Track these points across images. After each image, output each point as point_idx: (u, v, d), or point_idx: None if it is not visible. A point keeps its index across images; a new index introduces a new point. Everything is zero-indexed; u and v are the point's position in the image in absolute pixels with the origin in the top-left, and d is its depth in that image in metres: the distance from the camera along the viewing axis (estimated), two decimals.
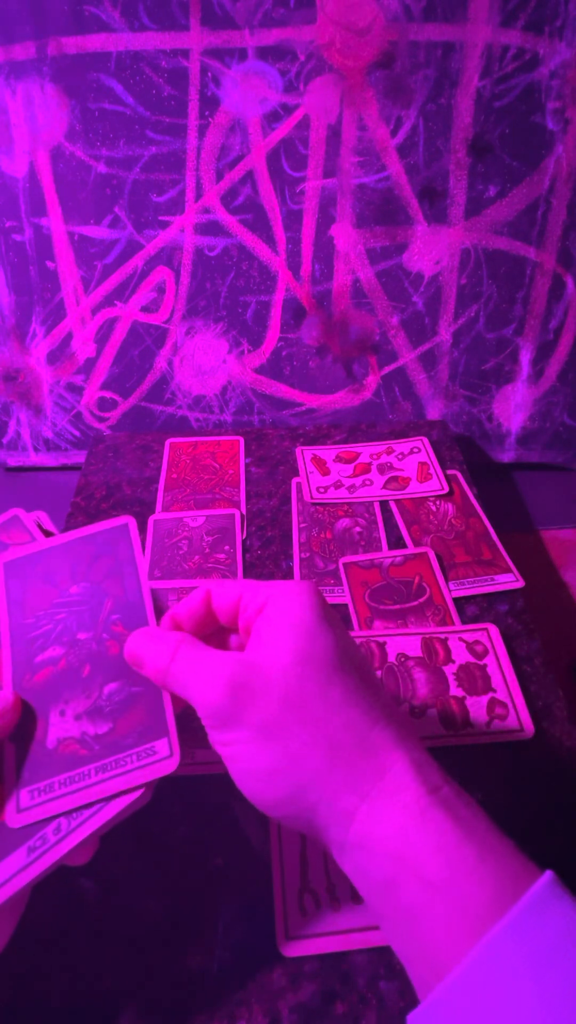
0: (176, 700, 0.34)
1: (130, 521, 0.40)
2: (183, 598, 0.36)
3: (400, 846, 0.27)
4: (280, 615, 0.31)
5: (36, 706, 0.34)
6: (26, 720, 0.34)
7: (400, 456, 0.69)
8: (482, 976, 0.24)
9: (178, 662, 0.32)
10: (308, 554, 0.59)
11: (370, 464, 0.68)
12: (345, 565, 0.57)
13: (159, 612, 0.37)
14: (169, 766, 0.32)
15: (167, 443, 0.73)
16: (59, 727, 0.33)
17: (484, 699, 0.47)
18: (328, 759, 0.28)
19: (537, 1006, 0.23)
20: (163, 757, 0.32)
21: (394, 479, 0.66)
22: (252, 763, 0.29)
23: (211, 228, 0.67)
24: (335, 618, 0.32)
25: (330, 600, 0.49)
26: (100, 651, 0.35)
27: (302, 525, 0.62)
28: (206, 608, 0.35)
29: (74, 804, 0.31)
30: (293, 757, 0.29)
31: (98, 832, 0.30)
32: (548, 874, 0.26)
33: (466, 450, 0.76)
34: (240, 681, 0.29)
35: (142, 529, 0.61)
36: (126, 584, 0.37)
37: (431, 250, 0.68)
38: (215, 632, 0.37)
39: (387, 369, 0.75)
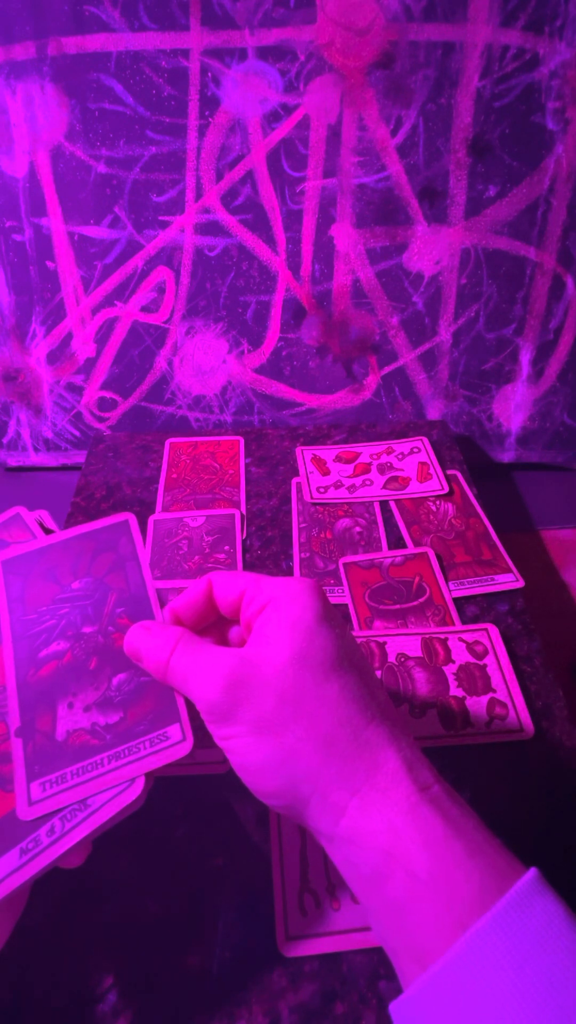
0: None
1: (130, 518, 0.40)
2: (185, 588, 0.36)
3: (389, 841, 0.27)
4: (281, 614, 0.31)
5: (42, 700, 0.34)
6: (33, 714, 0.34)
7: (400, 456, 0.69)
8: (465, 967, 0.24)
9: (176, 658, 0.32)
10: (308, 554, 0.59)
11: (370, 464, 0.68)
12: (345, 565, 0.57)
13: (160, 606, 0.37)
14: (182, 750, 0.32)
15: (167, 443, 0.73)
16: (68, 719, 0.33)
17: (484, 699, 0.47)
18: (322, 754, 0.29)
19: (517, 997, 0.23)
20: (176, 742, 0.32)
21: (394, 479, 0.66)
22: (248, 757, 0.30)
23: (211, 228, 0.67)
24: (336, 617, 0.32)
25: (330, 600, 0.49)
26: (107, 644, 0.36)
27: (302, 525, 0.62)
28: (207, 599, 0.35)
29: (88, 793, 0.31)
30: (288, 752, 0.29)
31: (92, 835, 0.30)
32: (532, 871, 0.26)
33: (466, 450, 0.76)
34: (237, 678, 0.30)
35: (142, 529, 0.61)
36: (129, 578, 0.38)
37: (431, 250, 0.68)
38: (216, 623, 0.37)
39: (387, 369, 0.75)
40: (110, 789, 0.31)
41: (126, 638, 0.35)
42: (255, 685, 0.30)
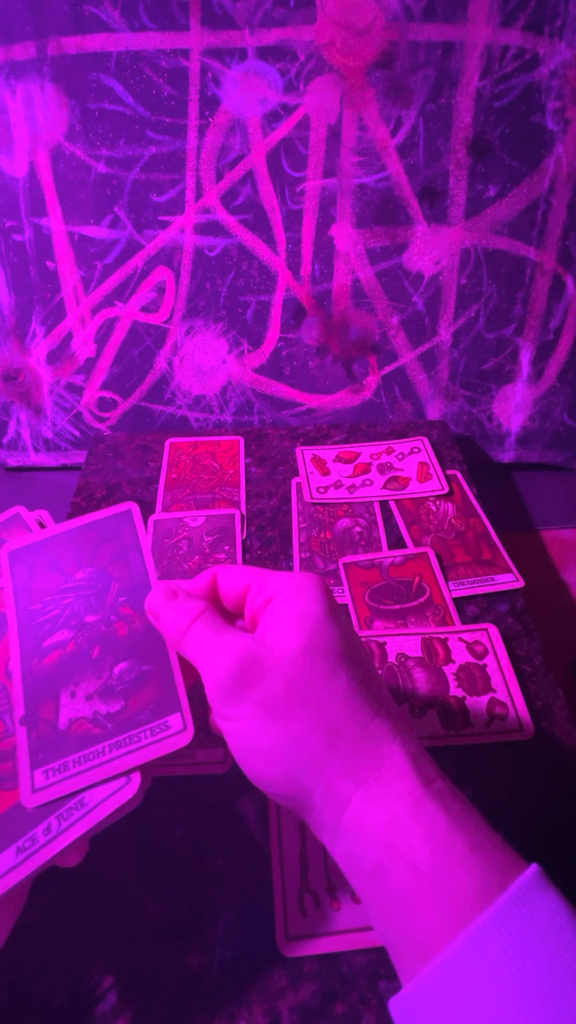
0: (187, 674, 0.35)
1: (133, 507, 0.40)
2: (191, 580, 0.36)
3: (392, 834, 0.27)
4: (288, 606, 0.32)
5: (46, 689, 0.34)
6: (36, 703, 0.34)
7: (400, 456, 0.69)
8: (466, 962, 0.24)
9: (196, 628, 0.33)
10: (308, 554, 0.59)
11: (370, 464, 0.68)
12: (345, 565, 0.57)
13: None
14: (183, 739, 0.32)
15: (167, 443, 0.73)
16: (70, 708, 0.34)
17: (484, 699, 0.46)
18: (328, 744, 0.29)
19: (518, 992, 0.23)
20: (177, 731, 0.33)
21: (394, 479, 0.66)
22: (253, 740, 0.30)
23: (211, 228, 0.67)
24: (341, 612, 0.33)
25: None
26: (109, 633, 0.36)
27: (302, 525, 0.62)
28: (212, 593, 0.36)
29: (90, 781, 0.31)
30: (294, 738, 0.29)
31: (88, 834, 0.31)
32: (534, 867, 0.26)
33: (466, 450, 0.76)
34: (251, 656, 0.30)
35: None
36: (132, 568, 0.38)
37: (431, 250, 0.68)
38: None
39: (387, 369, 0.75)
40: (107, 785, 0.31)
41: (150, 596, 0.35)
42: (267, 667, 0.30)
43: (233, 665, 0.30)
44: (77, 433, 0.77)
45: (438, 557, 0.58)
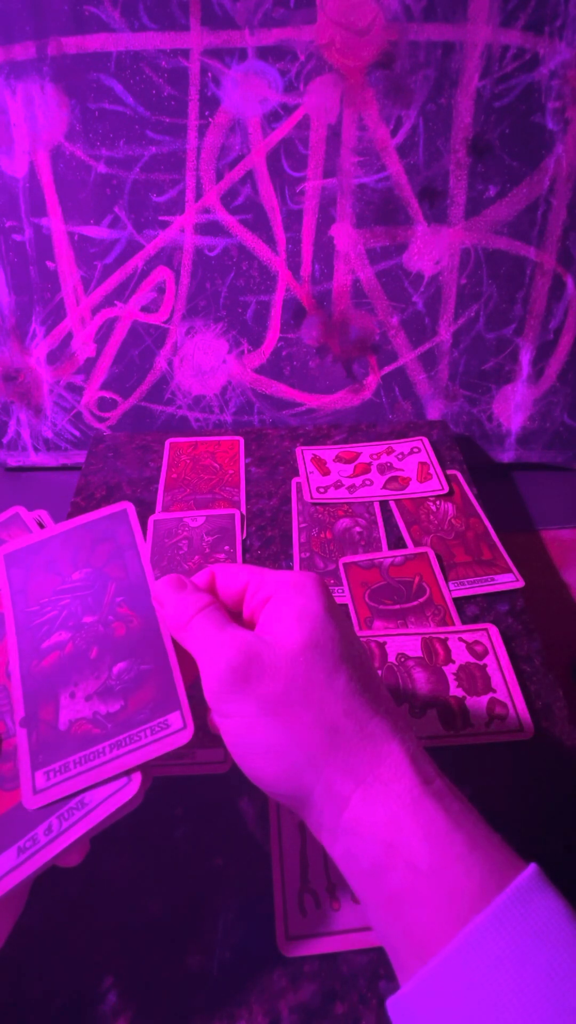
0: (186, 672, 0.35)
1: (128, 507, 0.40)
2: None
3: (391, 833, 0.27)
4: (288, 605, 0.32)
5: (45, 690, 0.34)
6: (36, 704, 0.34)
7: (400, 456, 0.69)
8: (464, 962, 0.24)
9: (199, 620, 0.33)
10: (308, 554, 0.59)
11: (370, 464, 0.68)
12: (345, 565, 0.57)
13: None
14: (183, 738, 0.32)
15: (167, 443, 0.73)
16: (70, 709, 0.34)
17: (484, 699, 0.47)
18: (328, 742, 0.29)
19: (516, 992, 0.23)
20: (177, 730, 0.32)
21: (394, 479, 0.66)
22: (252, 738, 0.30)
23: (211, 228, 0.67)
24: (340, 611, 0.33)
25: None
26: (107, 633, 0.36)
27: (302, 525, 0.62)
28: (210, 591, 0.36)
29: (91, 781, 0.31)
30: (294, 736, 0.29)
31: (89, 834, 0.31)
32: (532, 866, 0.26)
33: (466, 450, 0.76)
34: (253, 652, 0.30)
35: (142, 530, 0.61)
36: (128, 567, 0.38)
37: (431, 250, 0.68)
38: None
39: (387, 369, 0.75)
40: (107, 785, 0.31)
41: (158, 584, 0.35)
42: (268, 663, 0.30)
43: (233, 660, 0.30)
44: (77, 433, 0.77)
45: (438, 557, 0.58)
